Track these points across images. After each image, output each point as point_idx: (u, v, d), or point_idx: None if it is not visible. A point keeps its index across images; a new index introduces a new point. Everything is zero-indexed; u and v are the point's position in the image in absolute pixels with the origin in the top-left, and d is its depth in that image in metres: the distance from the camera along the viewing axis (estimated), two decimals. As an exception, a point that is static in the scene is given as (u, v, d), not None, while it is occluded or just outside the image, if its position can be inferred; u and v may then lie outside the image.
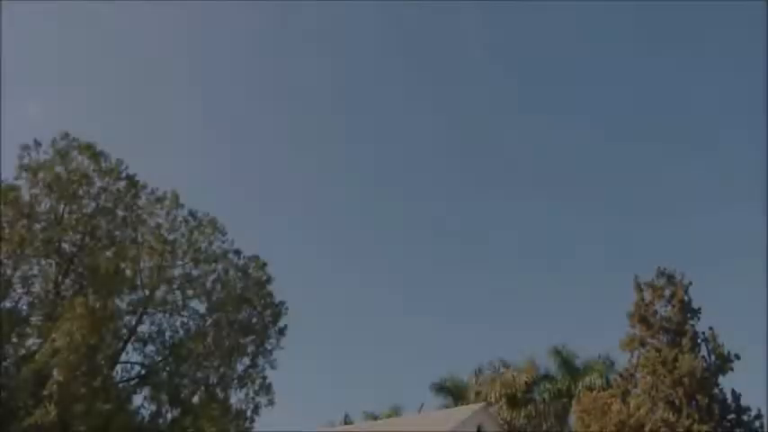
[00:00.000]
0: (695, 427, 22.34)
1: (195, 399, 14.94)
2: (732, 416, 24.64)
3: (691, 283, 26.95)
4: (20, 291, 13.18)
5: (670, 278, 26.83)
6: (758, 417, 24.03)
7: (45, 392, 11.37)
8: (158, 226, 15.04)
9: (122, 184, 14.37)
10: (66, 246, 13.77)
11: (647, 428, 17.06)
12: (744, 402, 25.11)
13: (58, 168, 13.52)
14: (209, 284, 15.69)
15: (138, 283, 14.60)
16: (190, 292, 15.61)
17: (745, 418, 24.57)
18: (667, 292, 26.66)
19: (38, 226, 13.37)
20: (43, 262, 13.71)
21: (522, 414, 34.14)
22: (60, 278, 13.54)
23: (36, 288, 13.53)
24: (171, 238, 15.13)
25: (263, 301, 15.97)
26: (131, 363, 14.71)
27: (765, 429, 22.09)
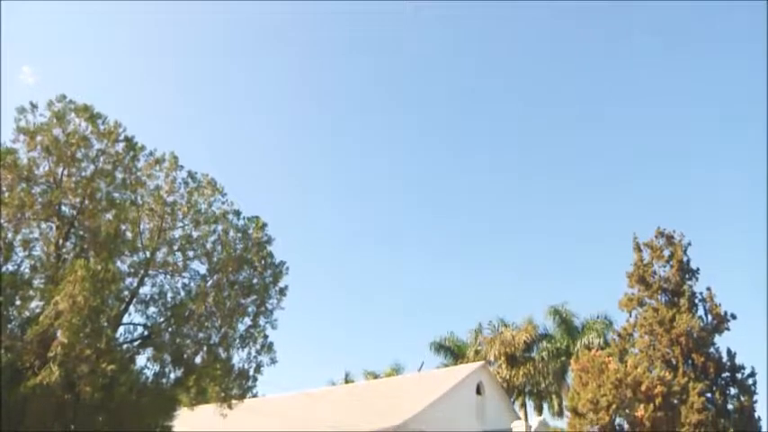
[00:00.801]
0: (691, 385, 22.68)
1: (198, 359, 15.08)
2: (727, 374, 25.04)
3: (690, 244, 27.02)
4: (21, 254, 13.18)
5: (669, 238, 26.92)
6: (752, 375, 24.44)
7: (50, 354, 11.47)
8: (158, 188, 14.98)
9: (121, 146, 14.24)
10: (65, 208, 13.72)
11: (643, 386, 17.31)
12: (738, 361, 25.50)
13: (56, 131, 13.37)
14: (209, 245, 15.67)
15: (139, 244, 14.60)
16: (190, 254, 15.60)
17: (739, 376, 24.97)
18: (666, 253, 26.80)
19: (37, 189, 13.29)
20: (43, 225, 13.66)
21: (521, 372, 34.70)
22: (61, 241, 13.51)
23: (37, 251, 13.51)
24: (170, 199, 15.08)
25: (263, 262, 15.97)
26: (134, 324, 14.81)
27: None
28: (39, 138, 13.17)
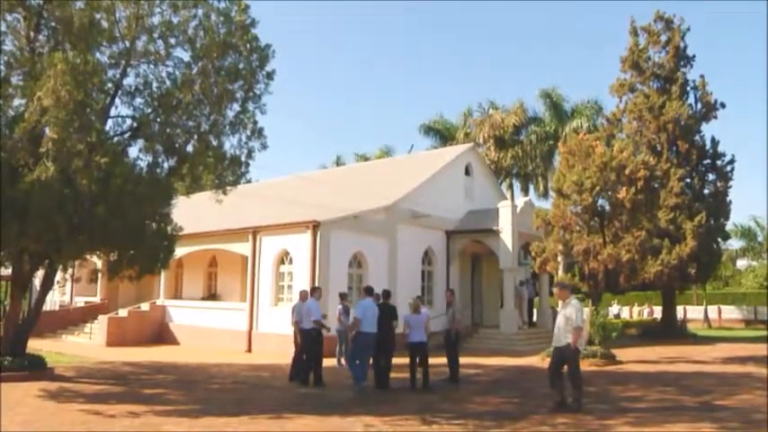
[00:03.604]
0: (672, 170, 23.49)
1: (189, 147, 15.06)
2: (708, 161, 25.72)
3: (689, 29, 26.11)
4: (-9, 51, 12.49)
5: (668, 23, 25.95)
6: (731, 162, 25.18)
7: (42, 150, 11.46)
8: (128, -29, 13.81)
9: (79, -77, 12.78)
10: (30, -2, 12.71)
11: (627, 170, 17.86)
12: (720, 149, 26.08)
13: None
14: (190, 31, 14.88)
15: (117, 34, 13.80)
16: (172, 41, 14.86)
17: (719, 163, 25.68)
18: (663, 38, 25.94)
19: (-10, -25, 12.17)
20: (9, 17, 12.72)
21: (509, 155, 35.60)
22: (32, 34, 12.69)
23: (8, 46, 12.73)
24: (144, -17, 14.02)
25: (248, 46, 15.27)
26: (122, 117, 14.49)
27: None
28: None
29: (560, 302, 10.49)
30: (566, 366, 10.20)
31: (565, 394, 10.22)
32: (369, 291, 13.49)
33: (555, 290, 10.97)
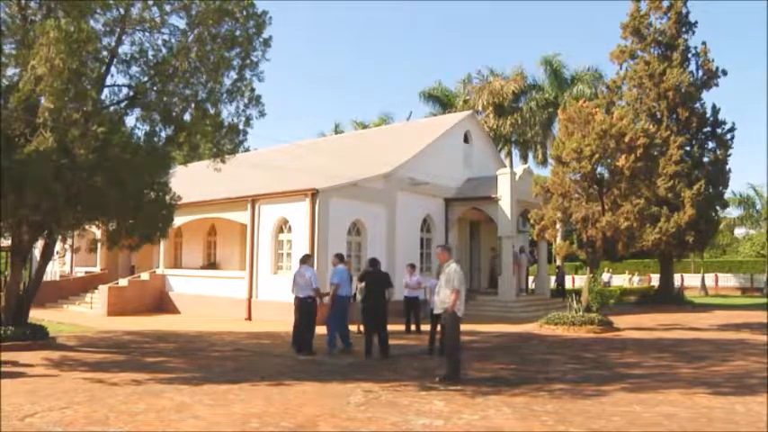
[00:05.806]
0: (672, 138, 23.34)
1: (186, 116, 14.93)
2: (708, 129, 25.58)
3: (691, -6, 25.73)
4: (-19, 19, 12.25)
5: (670, -13, 25.48)
6: (731, 129, 25.06)
7: (38, 120, 11.36)
8: (119, -65, 13.51)
9: None
10: (19, -37, 12.44)
11: (626, 138, 17.77)
12: (721, 116, 25.93)
13: None
14: (185, -2, 14.68)
15: (111, 1, 13.60)
16: (167, 8, 14.60)
17: (719, 130, 25.55)
18: (665, 3, 25.57)
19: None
20: (-2, -16, 12.52)
21: (509, 122, 35.36)
22: (24, 1, 12.48)
23: (-1, 14, 12.56)
24: (136, -52, 13.74)
25: (244, 12, 15.07)
26: (118, 85, 14.34)
27: None
28: None
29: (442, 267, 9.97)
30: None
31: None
32: (340, 257, 14.08)
33: (437, 251, 10.49)
